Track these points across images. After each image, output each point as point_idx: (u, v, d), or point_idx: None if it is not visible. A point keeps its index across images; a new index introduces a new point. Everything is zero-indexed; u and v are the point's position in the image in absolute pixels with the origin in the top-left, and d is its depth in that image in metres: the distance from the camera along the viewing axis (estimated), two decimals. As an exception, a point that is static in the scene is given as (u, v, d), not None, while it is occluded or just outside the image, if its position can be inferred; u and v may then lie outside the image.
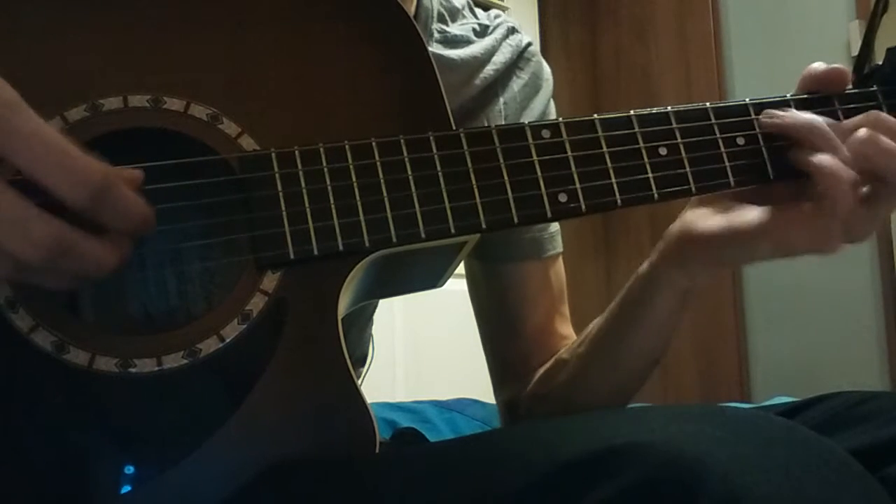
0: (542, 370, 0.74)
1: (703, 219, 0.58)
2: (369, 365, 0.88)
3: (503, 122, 0.76)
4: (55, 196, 0.39)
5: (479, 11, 0.81)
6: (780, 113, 0.55)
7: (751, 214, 0.55)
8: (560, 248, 0.79)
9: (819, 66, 0.57)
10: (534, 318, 0.76)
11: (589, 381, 0.68)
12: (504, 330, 0.78)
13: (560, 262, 0.80)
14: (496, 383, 0.80)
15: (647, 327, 0.63)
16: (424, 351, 2.30)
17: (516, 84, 0.78)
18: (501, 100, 0.77)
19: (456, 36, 0.75)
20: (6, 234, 0.37)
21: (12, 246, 0.37)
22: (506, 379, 0.78)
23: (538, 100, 0.79)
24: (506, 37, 0.78)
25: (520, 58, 0.79)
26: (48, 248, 0.38)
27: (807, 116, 0.54)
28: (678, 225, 0.60)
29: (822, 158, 0.52)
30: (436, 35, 0.74)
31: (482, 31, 0.78)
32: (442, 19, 0.76)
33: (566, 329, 0.78)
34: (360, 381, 0.69)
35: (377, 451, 0.46)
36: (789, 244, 0.54)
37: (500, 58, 0.76)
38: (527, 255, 0.76)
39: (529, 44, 0.80)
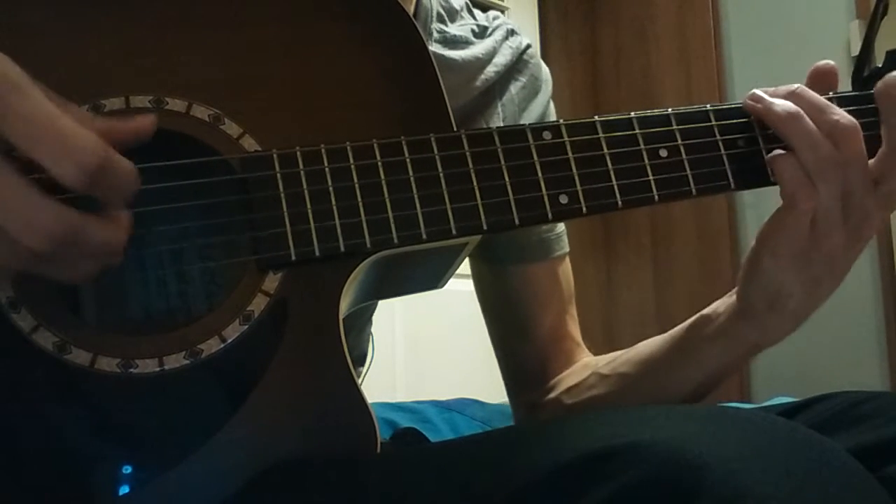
0: (571, 380, 0.73)
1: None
2: (369, 365, 0.88)
3: (501, 125, 0.76)
4: (53, 176, 0.38)
5: (477, 13, 0.81)
6: (765, 98, 0.55)
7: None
8: (567, 248, 0.79)
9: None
10: (546, 321, 0.76)
11: (630, 400, 0.67)
12: (516, 333, 0.77)
13: (567, 262, 0.80)
14: (511, 386, 0.79)
15: (704, 371, 0.62)
16: (424, 351, 2.29)
17: (514, 87, 0.78)
18: (499, 102, 0.77)
19: (455, 36, 0.75)
20: (12, 222, 0.37)
21: (19, 235, 0.37)
22: (520, 382, 0.78)
23: (537, 102, 0.79)
24: (505, 38, 0.78)
25: (519, 60, 0.79)
26: (54, 235, 0.37)
27: (784, 105, 0.53)
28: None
29: (780, 161, 0.52)
30: (435, 35, 0.74)
31: (481, 33, 0.78)
32: (441, 19, 0.76)
33: (577, 332, 0.78)
34: (360, 381, 0.69)
35: (378, 451, 0.46)
36: (780, 248, 0.54)
37: (501, 59, 0.76)
38: (535, 256, 0.76)
39: (528, 46, 0.80)
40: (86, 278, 0.41)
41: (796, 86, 0.54)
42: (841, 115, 0.52)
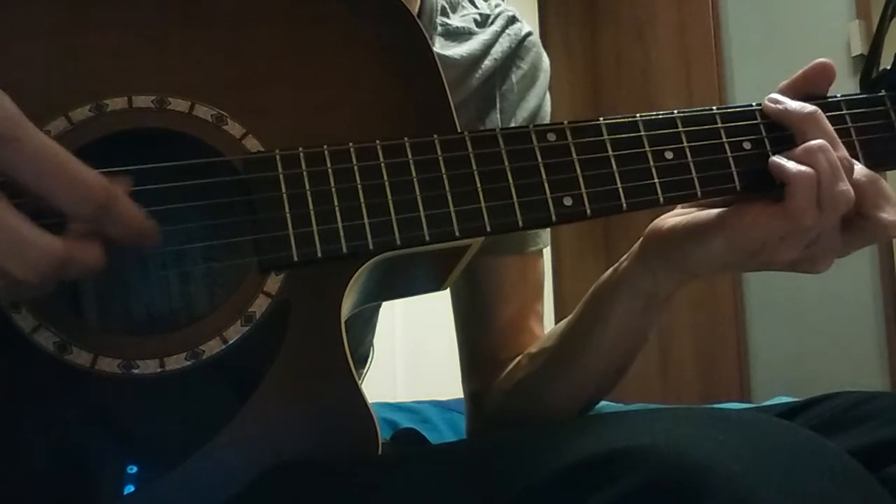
0: (511, 365, 0.73)
1: (671, 217, 0.58)
2: (369, 365, 0.88)
3: (499, 115, 0.76)
4: (59, 211, 0.39)
5: (478, 1, 0.81)
6: (784, 99, 0.55)
7: (711, 211, 0.55)
8: (543, 245, 0.78)
9: (786, 83, 0.57)
10: (507, 312, 0.75)
11: (552, 377, 0.67)
12: (476, 320, 0.77)
13: (541, 260, 0.79)
14: (464, 372, 0.79)
15: (610, 328, 0.62)
16: (424, 351, 2.30)
17: (515, 75, 0.77)
18: (499, 92, 0.76)
19: (458, 28, 0.75)
20: (4, 256, 0.37)
21: (10, 268, 0.37)
22: (473, 370, 0.78)
23: (534, 92, 0.79)
24: (505, 27, 0.78)
25: (520, 47, 0.78)
26: (45, 270, 0.38)
27: (809, 107, 0.54)
28: (649, 225, 0.59)
29: (793, 167, 0.51)
30: (439, 28, 0.74)
31: (483, 21, 0.78)
32: (444, 13, 0.76)
33: (538, 328, 0.77)
34: (360, 382, 0.69)
35: (379, 451, 0.46)
36: (743, 242, 0.53)
37: (499, 49, 0.76)
38: (509, 249, 0.76)
39: (529, 33, 0.80)
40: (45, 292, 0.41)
41: (814, 109, 0.54)
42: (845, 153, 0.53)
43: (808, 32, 2.25)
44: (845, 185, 0.51)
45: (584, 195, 0.51)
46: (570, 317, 0.67)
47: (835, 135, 0.53)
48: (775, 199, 0.52)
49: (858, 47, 2.11)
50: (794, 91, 0.56)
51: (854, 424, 0.52)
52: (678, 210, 0.59)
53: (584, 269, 2.78)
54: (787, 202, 0.51)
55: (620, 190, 0.51)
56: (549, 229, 0.78)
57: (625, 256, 0.61)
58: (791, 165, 0.52)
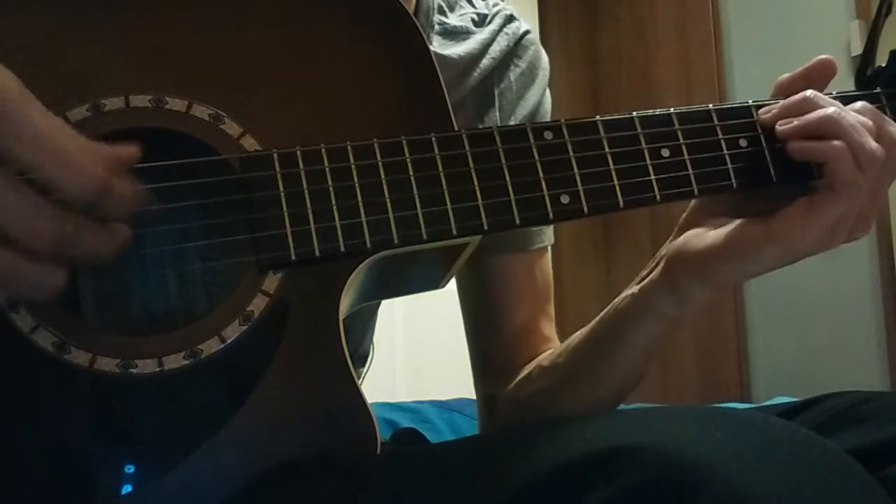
0: (522, 374, 0.72)
1: (697, 238, 0.55)
2: (369, 365, 0.88)
3: (498, 112, 0.76)
4: (60, 194, 0.39)
5: (476, 0, 0.81)
6: (773, 105, 0.54)
7: (747, 226, 0.53)
8: (547, 242, 0.77)
9: (787, 76, 0.57)
10: (518, 316, 0.75)
11: (565, 393, 0.67)
12: (487, 325, 0.76)
13: (548, 258, 0.79)
14: (476, 376, 0.79)
15: (630, 351, 0.61)
16: (424, 351, 2.30)
17: (513, 73, 0.77)
18: (497, 91, 0.76)
19: (456, 27, 0.75)
20: (12, 223, 0.38)
21: (20, 235, 0.38)
22: (486, 374, 0.77)
23: (534, 90, 0.78)
24: (503, 26, 0.78)
25: (517, 45, 0.78)
26: (54, 235, 0.38)
27: (797, 96, 0.53)
28: (670, 249, 0.57)
29: (823, 143, 0.50)
30: (436, 27, 0.74)
31: (480, 21, 0.77)
32: (441, 11, 0.76)
33: (550, 330, 0.76)
34: (360, 381, 0.69)
35: (378, 451, 0.46)
36: (796, 248, 0.51)
37: (497, 48, 0.76)
38: (513, 247, 0.75)
39: (527, 31, 0.79)
40: (56, 290, 0.41)
41: (811, 92, 0.53)
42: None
43: (808, 32, 2.25)
44: (873, 141, 0.50)
45: (581, 193, 0.51)
46: (585, 332, 0.66)
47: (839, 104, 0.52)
48: (810, 193, 0.51)
49: (858, 47, 2.10)
50: (793, 88, 0.56)
51: (854, 424, 0.52)
52: (697, 230, 0.56)
53: (583, 268, 2.78)
54: (833, 182, 0.50)
55: (617, 187, 0.51)
56: (551, 227, 0.78)
57: (644, 285, 0.59)
58: (820, 143, 0.51)
